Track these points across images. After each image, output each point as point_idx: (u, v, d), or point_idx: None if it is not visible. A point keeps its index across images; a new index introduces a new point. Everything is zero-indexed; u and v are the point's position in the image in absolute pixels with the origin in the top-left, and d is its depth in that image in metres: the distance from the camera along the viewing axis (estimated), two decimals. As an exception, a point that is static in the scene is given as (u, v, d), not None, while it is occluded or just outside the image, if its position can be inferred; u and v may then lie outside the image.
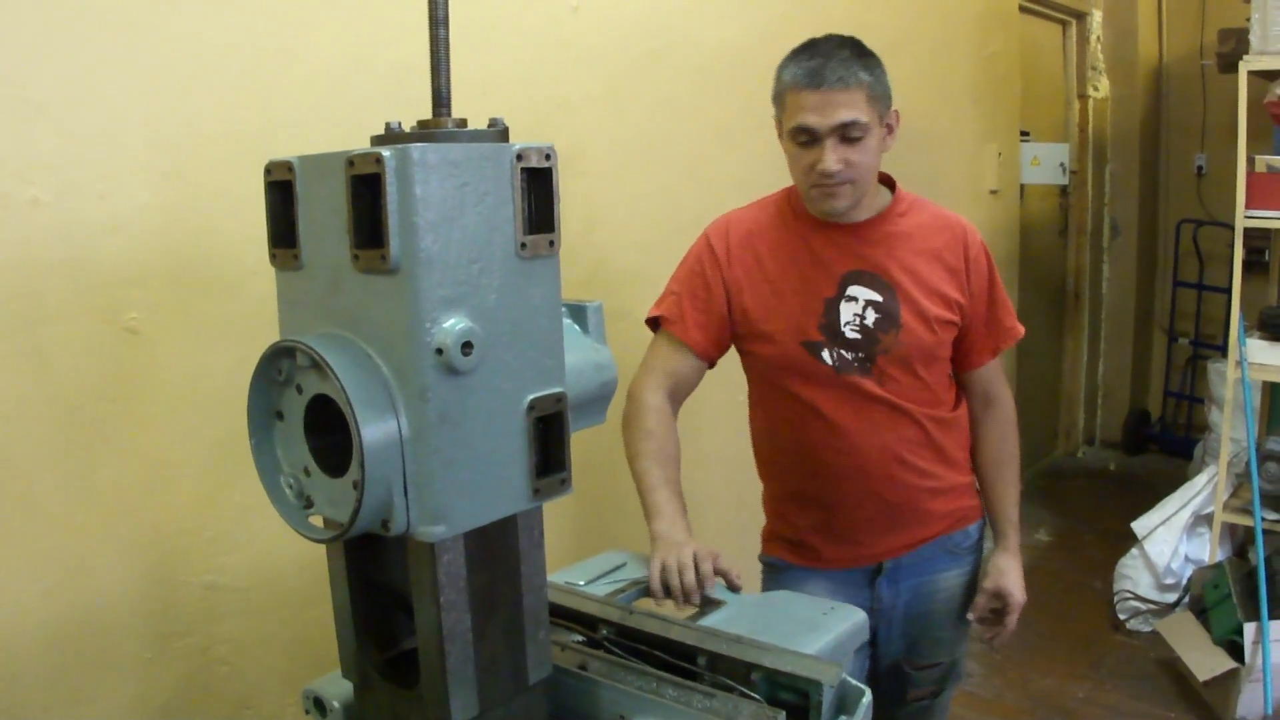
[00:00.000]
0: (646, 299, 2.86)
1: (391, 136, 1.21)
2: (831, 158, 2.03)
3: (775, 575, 2.37)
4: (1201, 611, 3.93)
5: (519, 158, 1.18)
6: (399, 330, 1.13)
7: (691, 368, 2.23)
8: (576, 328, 1.40)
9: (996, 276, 2.30)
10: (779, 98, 2.11)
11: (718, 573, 1.84)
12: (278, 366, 1.22)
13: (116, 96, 1.81)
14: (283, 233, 1.26)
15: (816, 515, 2.27)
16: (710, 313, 2.21)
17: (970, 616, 2.32)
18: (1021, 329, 2.36)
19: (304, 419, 1.22)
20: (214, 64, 1.93)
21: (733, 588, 1.85)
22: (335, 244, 1.18)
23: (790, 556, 2.33)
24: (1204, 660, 3.70)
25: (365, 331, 1.17)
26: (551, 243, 1.22)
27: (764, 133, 3.22)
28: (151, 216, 1.87)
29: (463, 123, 1.23)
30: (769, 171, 3.25)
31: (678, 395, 2.24)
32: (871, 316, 2.14)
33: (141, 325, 1.88)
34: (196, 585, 1.99)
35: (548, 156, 1.21)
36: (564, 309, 1.34)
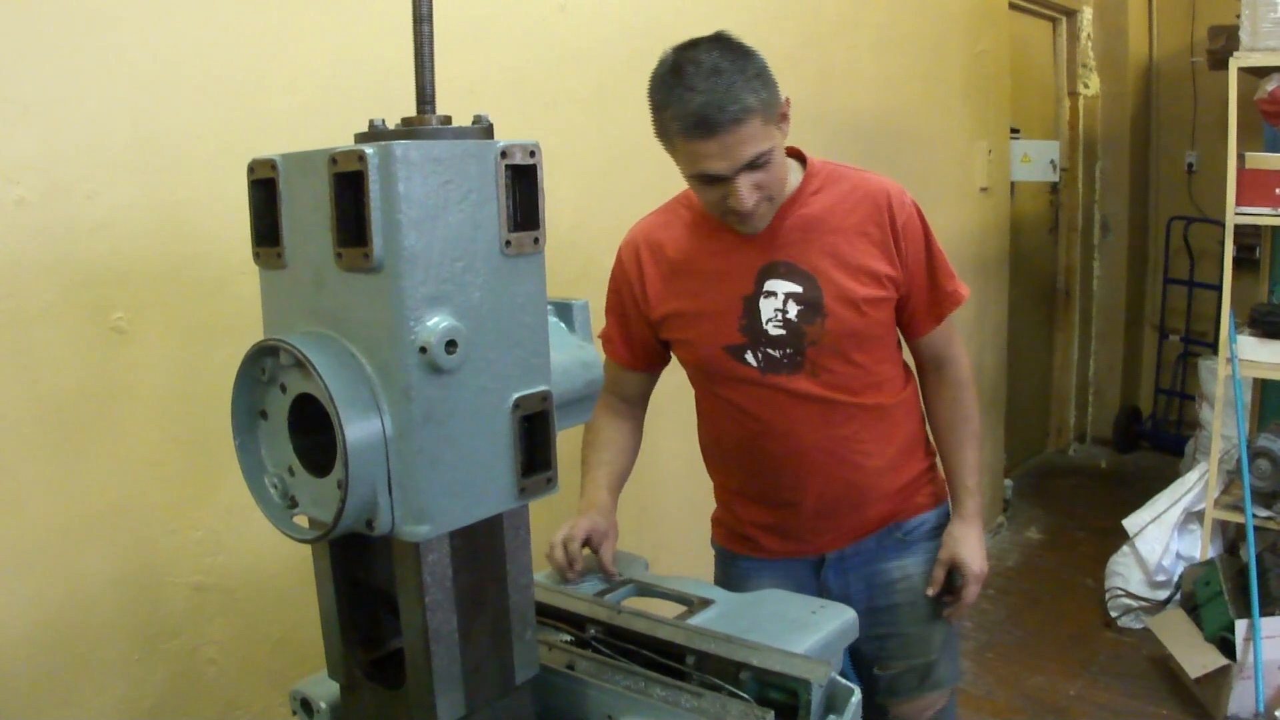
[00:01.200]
0: (636, 297, 2.85)
1: (375, 134, 1.20)
2: (745, 195, 1.91)
3: (723, 564, 2.37)
4: (1193, 608, 3.93)
5: (503, 155, 1.17)
6: (382, 329, 1.12)
7: (635, 380, 2.27)
8: (562, 326, 1.40)
9: (934, 240, 2.16)
10: (666, 140, 1.93)
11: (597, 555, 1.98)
12: (261, 365, 1.22)
13: (102, 96, 1.81)
14: (266, 231, 1.25)
15: (756, 510, 2.25)
16: (632, 332, 2.20)
17: (929, 592, 2.23)
18: (965, 290, 2.22)
19: (288, 418, 1.21)
20: (200, 63, 1.93)
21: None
22: (319, 242, 1.17)
23: (735, 547, 2.32)
24: (1195, 657, 3.70)
25: (349, 330, 1.16)
26: (536, 240, 1.21)
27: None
28: (137, 216, 1.87)
29: (447, 120, 1.23)
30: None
31: (632, 402, 2.29)
32: (794, 309, 2.05)
33: (128, 325, 1.87)
34: (184, 586, 1.99)
35: (532, 153, 1.20)
36: (550, 307, 1.33)
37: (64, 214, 1.78)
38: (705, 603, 1.78)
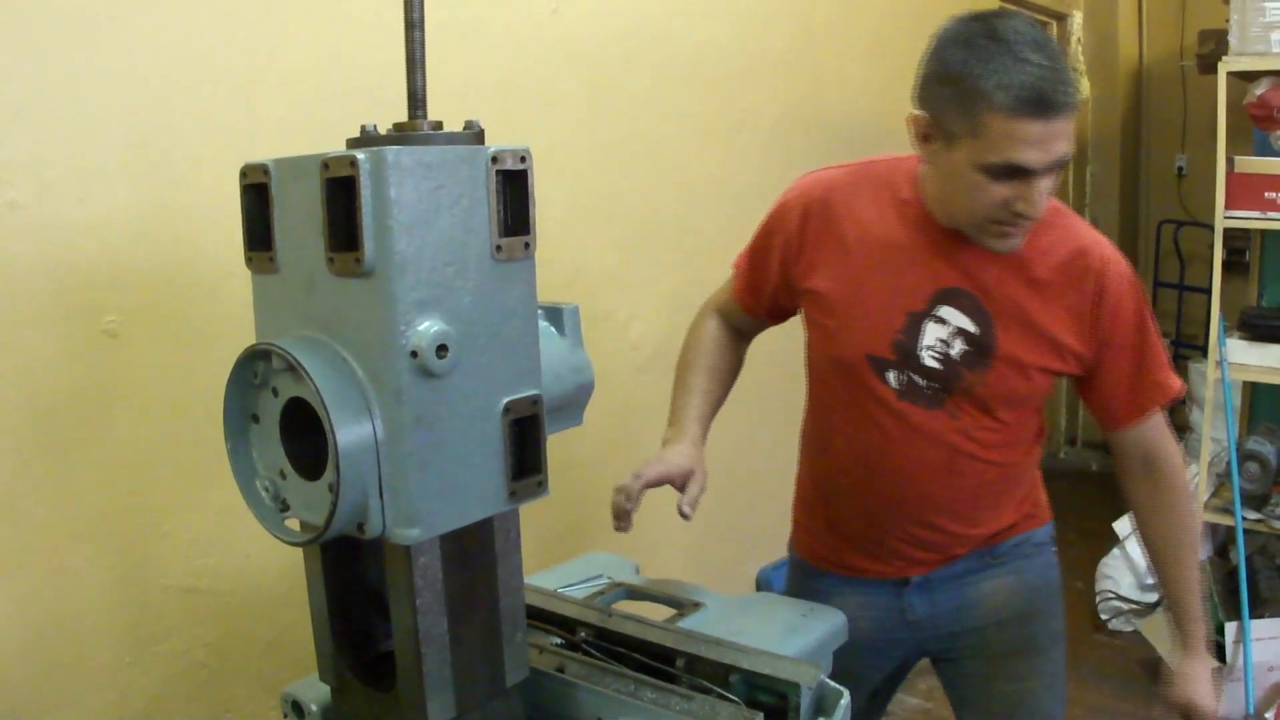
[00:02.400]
0: (627, 301, 2.87)
1: (367, 139, 1.21)
2: (1040, 199, 1.67)
3: (801, 576, 2.21)
4: (1183, 611, 3.94)
5: (494, 160, 1.18)
6: (374, 333, 1.13)
7: (749, 322, 2.11)
8: (553, 330, 1.40)
9: (1148, 323, 1.88)
10: (972, 116, 1.64)
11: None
12: (253, 369, 1.22)
13: (94, 99, 1.81)
14: (258, 236, 1.26)
15: (842, 523, 2.08)
16: (766, 281, 2.00)
17: None
18: (1177, 384, 1.91)
19: (280, 422, 1.22)
20: (192, 67, 1.93)
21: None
22: (310, 247, 1.18)
23: (817, 561, 2.15)
24: (1185, 659, 3.70)
25: (340, 334, 1.17)
26: (527, 245, 1.22)
27: (744, 133, 3.25)
28: (130, 219, 1.87)
29: (438, 125, 1.23)
30: (749, 171, 3.27)
31: (741, 333, 2.14)
32: (958, 347, 1.83)
33: (120, 328, 1.87)
34: (175, 589, 1.99)
35: (523, 159, 1.21)
36: (540, 311, 1.34)
37: (56, 216, 1.78)
38: (695, 606, 1.78)
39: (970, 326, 1.83)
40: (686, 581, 1.92)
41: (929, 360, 1.85)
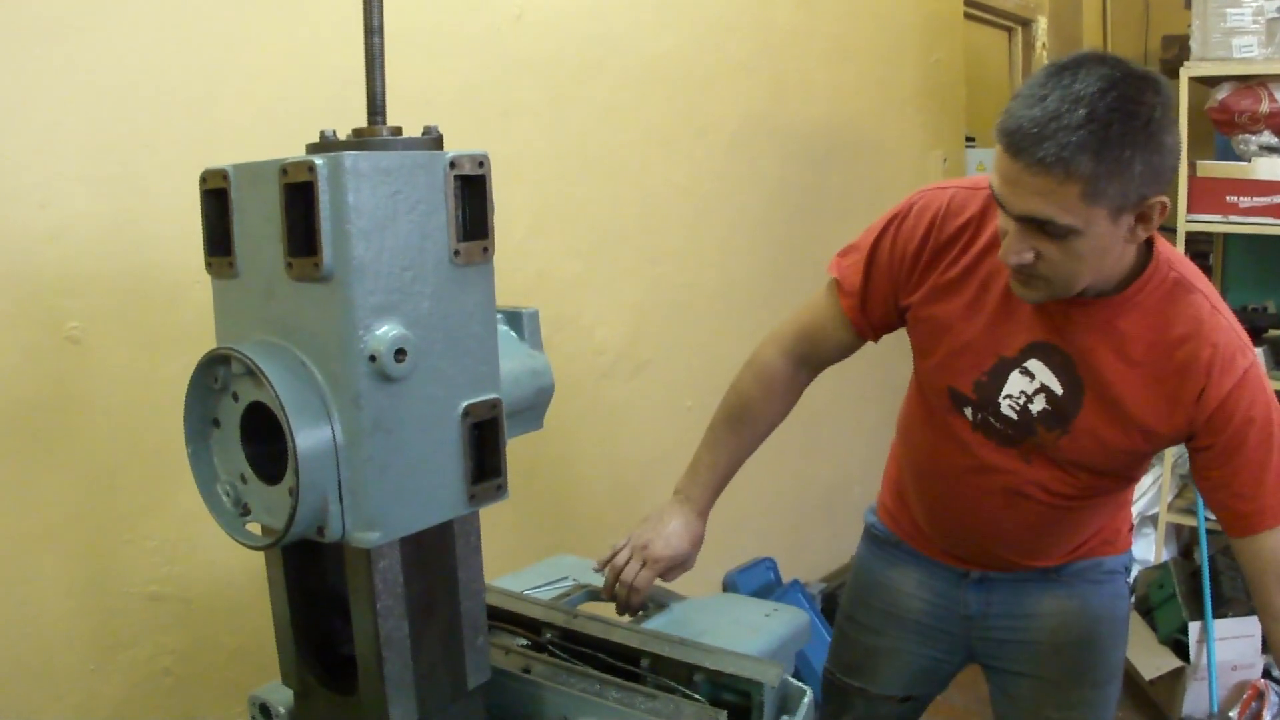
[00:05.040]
0: (590, 307, 2.88)
1: (326, 145, 1.21)
2: (1009, 244, 1.57)
3: (875, 544, 2.18)
4: (1147, 611, 3.97)
5: (452, 165, 1.19)
6: (332, 337, 1.13)
7: (846, 341, 1.96)
8: (512, 334, 1.41)
9: (1274, 428, 1.68)
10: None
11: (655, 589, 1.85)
12: (214, 374, 1.23)
13: (55, 105, 1.81)
14: (218, 241, 1.26)
15: (910, 513, 2.07)
16: (876, 290, 1.87)
17: None
18: None
19: (240, 426, 1.22)
20: (153, 73, 1.92)
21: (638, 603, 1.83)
22: (270, 252, 1.18)
23: (897, 530, 2.11)
24: (1150, 659, 3.74)
25: (300, 339, 1.17)
26: (486, 249, 1.23)
27: (706, 139, 3.26)
28: (92, 225, 1.86)
29: (398, 131, 1.24)
30: (711, 178, 3.28)
31: (813, 367, 2.00)
32: (1039, 404, 1.74)
33: (82, 334, 1.87)
34: (140, 596, 1.98)
35: (481, 164, 1.21)
36: (500, 315, 1.35)
37: (17, 223, 1.77)
38: (660, 607, 1.81)
39: (1056, 387, 1.73)
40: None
41: (1006, 409, 1.77)
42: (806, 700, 1.45)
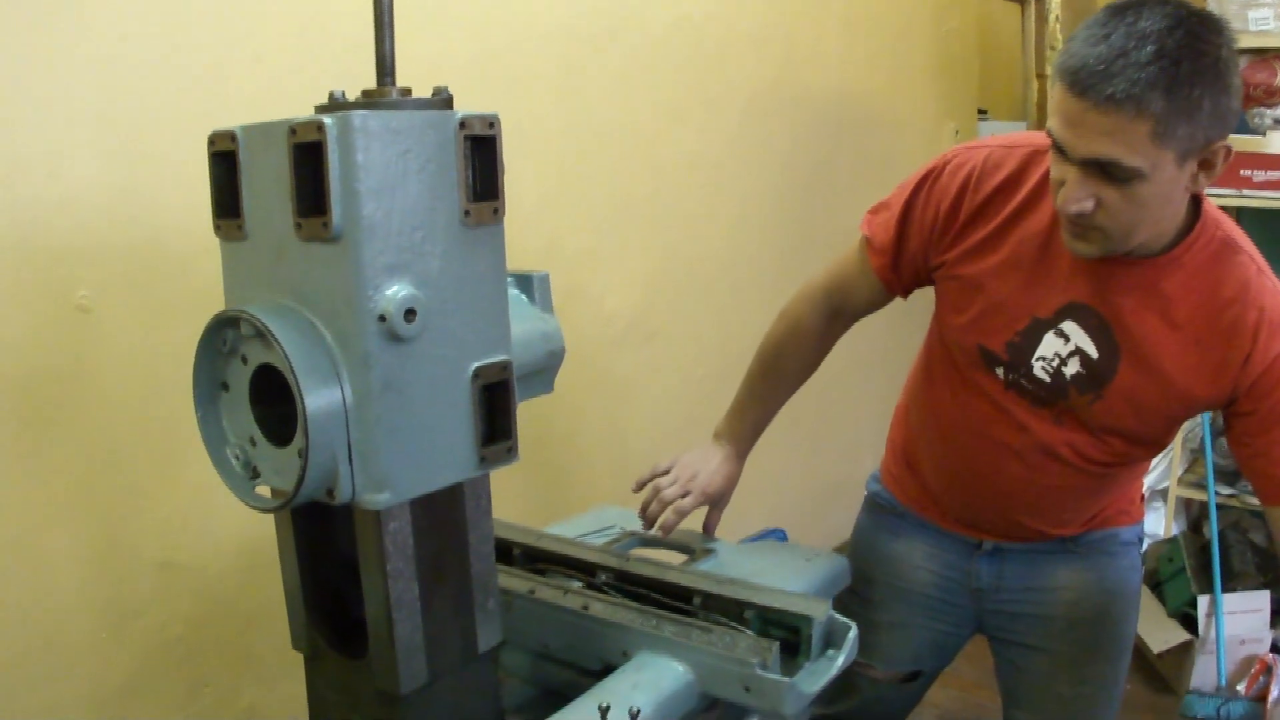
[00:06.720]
0: (600, 277, 2.87)
1: (335, 105, 1.21)
2: (1070, 193, 1.51)
3: (876, 513, 2.18)
4: (1156, 585, 3.97)
5: (462, 125, 1.18)
6: (342, 298, 1.13)
7: (876, 295, 1.95)
8: (523, 297, 1.41)
9: None
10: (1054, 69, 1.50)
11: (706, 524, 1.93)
12: (222, 337, 1.23)
13: (64, 74, 1.80)
14: (227, 203, 1.25)
15: (920, 481, 2.05)
16: (908, 248, 1.85)
17: None
18: None
19: (249, 389, 1.22)
20: (162, 40, 1.91)
21: (682, 544, 1.89)
22: (279, 213, 1.17)
23: (896, 491, 2.12)
24: (1158, 633, 3.74)
25: (309, 300, 1.17)
26: (496, 210, 1.22)
27: (717, 110, 3.25)
28: (101, 194, 1.86)
29: (407, 92, 1.23)
30: (723, 149, 3.27)
31: (847, 318, 2.01)
32: (1073, 367, 1.72)
33: (92, 304, 1.87)
34: (151, 564, 1.98)
35: (491, 124, 1.21)
36: (510, 279, 1.34)
37: (27, 192, 1.77)
38: (707, 551, 1.86)
39: (1091, 350, 1.70)
40: (696, 530, 1.97)
41: (1039, 371, 1.75)
42: (851, 635, 1.49)
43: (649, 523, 1.89)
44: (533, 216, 2.65)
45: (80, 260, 1.84)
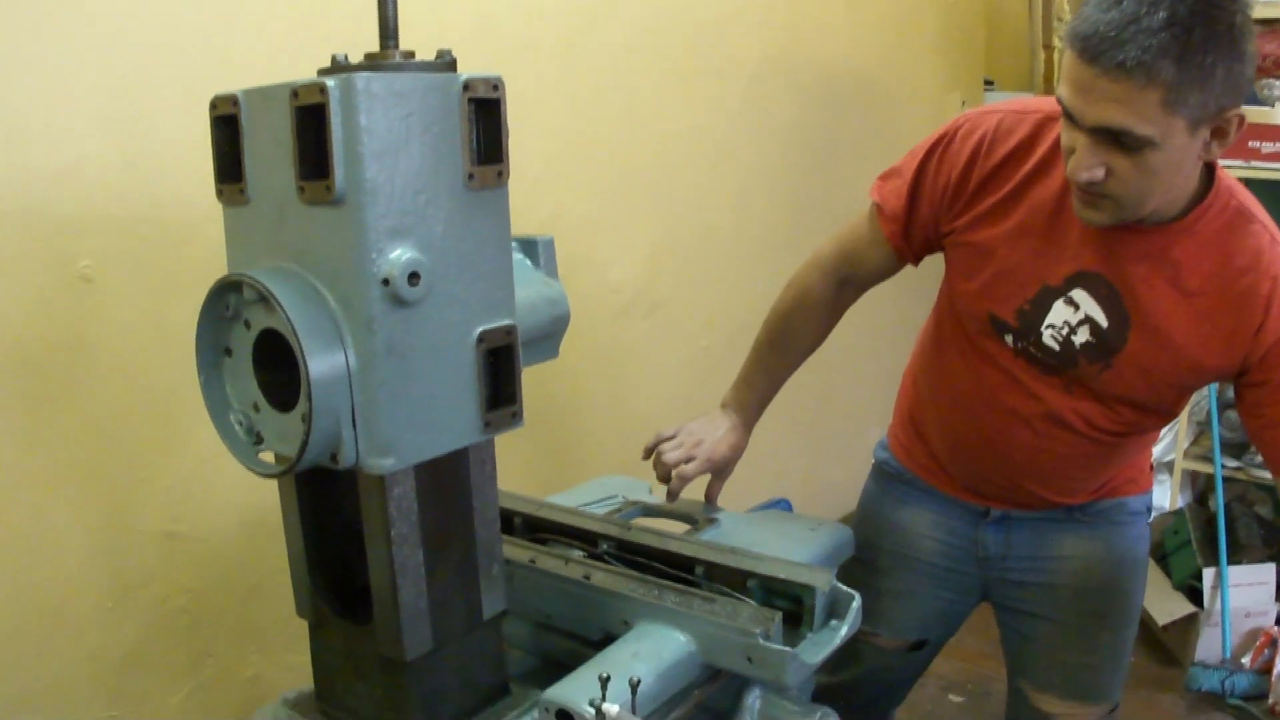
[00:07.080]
0: (605, 246, 2.86)
1: (337, 68, 1.19)
2: (1080, 159, 1.50)
3: (884, 481, 2.16)
4: (1161, 557, 3.97)
5: (466, 88, 1.17)
6: (345, 261, 1.12)
7: (887, 263, 1.94)
8: (528, 262, 1.40)
9: None
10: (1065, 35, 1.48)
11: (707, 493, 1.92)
12: (225, 302, 1.22)
13: (65, 44, 1.78)
14: (229, 168, 1.25)
15: (929, 448, 2.04)
16: (919, 214, 1.84)
17: None
18: None
19: (252, 354, 1.21)
20: (164, 10, 1.90)
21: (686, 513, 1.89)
22: (281, 177, 1.16)
23: (912, 465, 2.09)
24: (1164, 605, 3.74)
25: (312, 264, 1.16)
26: (500, 174, 1.21)
27: (723, 80, 3.23)
28: (103, 164, 1.85)
29: (410, 55, 1.22)
30: (728, 120, 3.25)
31: (857, 286, 2.00)
32: (1083, 336, 1.70)
33: (95, 273, 1.86)
34: (156, 535, 1.98)
35: (495, 87, 1.19)
36: (515, 243, 1.33)
37: (28, 163, 1.76)
38: (710, 521, 1.85)
39: (1100, 319, 1.69)
40: (699, 500, 1.96)
41: (1048, 339, 1.74)
42: (855, 605, 1.48)
43: (669, 492, 1.89)
44: (536, 186, 2.64)
45: (82, 230, 1.84)
